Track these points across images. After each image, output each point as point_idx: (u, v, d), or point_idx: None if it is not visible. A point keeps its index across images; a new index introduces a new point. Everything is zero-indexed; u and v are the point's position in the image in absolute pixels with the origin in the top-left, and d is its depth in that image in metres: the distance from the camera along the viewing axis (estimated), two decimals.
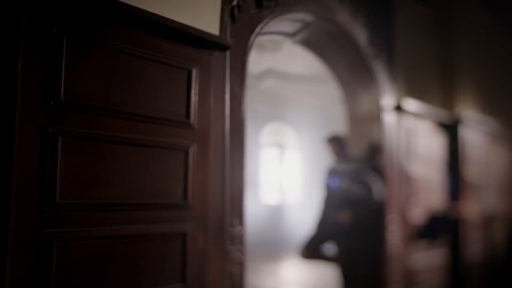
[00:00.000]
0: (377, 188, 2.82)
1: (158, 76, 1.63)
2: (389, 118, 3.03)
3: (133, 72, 1.56)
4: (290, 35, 2.72)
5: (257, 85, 7.83)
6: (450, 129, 3.56)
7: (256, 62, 6.91)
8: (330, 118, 8.88)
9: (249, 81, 7.13)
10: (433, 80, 3.69)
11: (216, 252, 1.81)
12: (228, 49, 1.87)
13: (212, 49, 1.80)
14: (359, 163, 2.94)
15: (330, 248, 3.03)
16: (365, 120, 3.13)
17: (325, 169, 3.19)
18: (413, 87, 3.38)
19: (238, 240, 1.91)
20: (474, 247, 3.71)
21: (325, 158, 4.44)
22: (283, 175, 9.01)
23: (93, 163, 1.42)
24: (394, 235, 2.94)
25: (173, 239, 1.65)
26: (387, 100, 3.03)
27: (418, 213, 3.20)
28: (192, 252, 1.70)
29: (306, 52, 6.43)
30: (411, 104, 3.13)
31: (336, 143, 3.02)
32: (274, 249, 6.84)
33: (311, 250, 2.93)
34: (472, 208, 3.66)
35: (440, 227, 3.31)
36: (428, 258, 3.28)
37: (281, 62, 6.98)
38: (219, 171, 1.84)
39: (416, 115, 3.22)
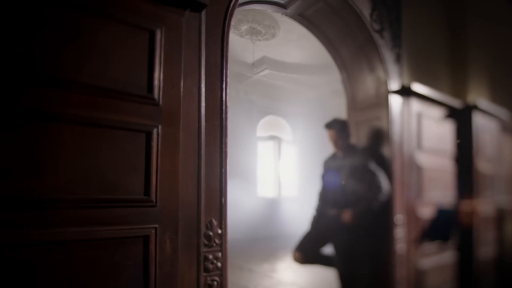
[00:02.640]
0: (384, 184, 2.48)
1: (110, 36, 1.27)
2: (397, 102, 2.68)
3: (75, 29, 1.20)
4: (282, 6, 2.36)
5: (251, 75, 7.47)
6: (463, 117, 3.22)
7: (249, 49, 6.55)
8: (328, 110, 8.55)
9: (243, 71, 6.80)
10: (442, 65, 3.35)
11: (188, 260, 1.47)
12: (204, 8, 1.51)
13: (182, 7, 1.44)
14: (363, 154, 2.59)
15: (328, 250, 2.68)
16: (369, 106, 2.78)
17: (323, 161, 2.84)
18: (421, 71, 3.03)
19: (217, 244, 1.57)
20: (487, 248, 3.38)
21: (323, 150, 4.10)
22: (280, 168, 8.68)
23: (16, 146, 1.07)
24: (402, 236, 2.61)
25: (131, 244, 1.29)
26: (394, 82, 2.69)
27: (428, 211, 2.86)
28: (157, 260, 1.35)
29: (302, 39, 6.07)
30: (421, 88, 2.78)
31: (337, 128, 2.63)
32: (270, 248, 6.52)
33: (306, 254, 2.58)
34: (486, 205, 3.32)
35: (452, 227, 2.97)
36: (439, 261, 2.95)
37: (276, 50, 6.62)
38: (192, 159, 1.49)
39: (427, 99, 2.87)
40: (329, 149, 2.88)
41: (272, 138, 8.70)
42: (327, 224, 2.65)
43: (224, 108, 1.62)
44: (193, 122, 1.50)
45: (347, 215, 2.51)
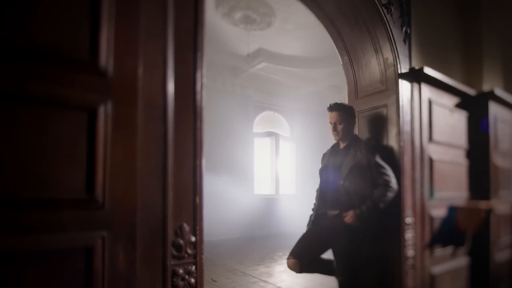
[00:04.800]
0: (392, 180, 2.16)
1: None
2: (406, 88, 2.36)
3: None
4: None
5: (247, 68, 7.14)
6: (478, 106, 2.89)
7: (244, 40, 6.21)
8: (327, 105, 8.21)
9: (239, 64, 6.45)
10: (454, 49, 3.03)
11: (151, 277, 1.14)
12: None
13: None
14: (368, 147, 2.26)
15: (328, 256, 2.36)
16: (374, 92, 2.46)
17: (322, 155, 2.51)
18: (431, 54, 2.72)
19: (189, 255, 1.24)
20: (504, 252, 3.06)
21: (322, 147, 3.78)
22: (278, 165, 8.38)
23: None
24: (412, 239, 2.29)
25: (68, 259, 0.97)
26: (403, 65, 2.37)
27: (441, 213, 2.55)
28: (105, 279, 1.02)
29: (299, 29, 5.74)
30: (433, 72, 2.45)
31: (341, 110, 2.29)
32: (267, 248, 6.21)
33: (303, 261, 2.25)
34: (503, 204, 3.01)
35: (466, 229, 2.66)
36: (452, 267, 2.64)
37: (273, 41, 6.27)
38: (155, 147, 1.17)
39: (439, 85, 2.55)
40: (328, 145, 2.55)
41: (269, 134, 8.40)
42: (326, 226, 2.33)
43: (198, 84, 1.29)
44: (157, 100, 1.17)
45: (349, 216, 2.18)
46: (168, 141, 1.19)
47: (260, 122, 8.36)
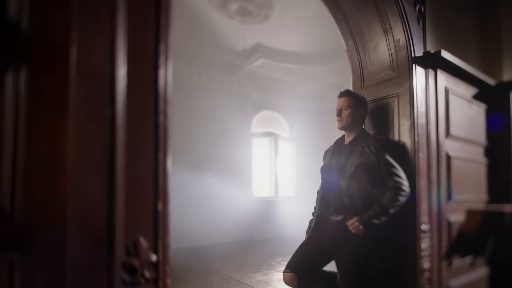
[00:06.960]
0: (405, 182, 1.85)
1: None
2: (420, 75, 2.05)
3: None
4: None
5: (245, 65, 6.83)
6: (498, 97, 2.58)
7: (240, 35, 5.90)
8: (328, 104, 7.91)
9: (236, 61, 6.18)
10: (471, 33, 2.72)
11: None
12: None
13: None
14: (377, 143, 1.95)
15: (330, 268, 2.05)
16: (383, 80, 2.15)
17: (325, 152, 2.20)
18: (446, 39, 2.41)
19: (148, 280, 0.93)
20: None
21: (322, 147, 3.48)
22: (277, 166, 8.07)
23: None
24: (428, 251, 1.98)
25: None
26: (417, 49, 2.06)
27: (460, 218, 2.24)
28: None
29: (299, 22, 5.44)
30: (450, 57, 2.15)
31: (351, 97, 2.01)
32: (265, 253, 5.90)
33: (302, 275, 1.93)
34: None
35: (487, 236, 2.35)
36: (472, 279, 2.32)
37: (271, 35, 5.96)
38: (97, 134, 0.86)
39: (457, 73, 2.25)
40: (329, 145, 2.25)
41: (268, 134, 8.11)
42: (329, 233, 2.02)
43: (162, 56, 0.99)
44: (99, 69, 0.86)
45: (354, 223, 1.87)
46: (117, 126, 0.88)
47: (258, 122, 8.07)
